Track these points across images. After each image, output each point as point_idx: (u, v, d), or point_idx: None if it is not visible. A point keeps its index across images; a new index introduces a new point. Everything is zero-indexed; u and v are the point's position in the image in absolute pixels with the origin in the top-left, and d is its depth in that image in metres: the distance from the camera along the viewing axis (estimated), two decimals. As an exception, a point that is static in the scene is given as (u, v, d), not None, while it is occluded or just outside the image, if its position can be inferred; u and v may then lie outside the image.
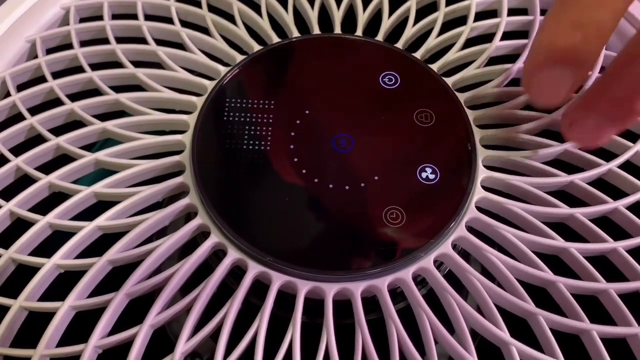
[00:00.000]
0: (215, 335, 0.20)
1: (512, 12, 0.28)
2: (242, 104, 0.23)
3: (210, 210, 0.21)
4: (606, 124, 0.19)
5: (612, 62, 0.18)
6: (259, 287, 0.21)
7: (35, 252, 0.21)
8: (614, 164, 0.23)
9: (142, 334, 0.19)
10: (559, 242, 0.21)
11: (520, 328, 0.20)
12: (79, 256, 0.21)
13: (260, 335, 0.19)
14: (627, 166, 0.23)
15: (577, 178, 0.22)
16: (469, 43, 0.26)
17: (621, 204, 0.22)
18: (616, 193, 0.23)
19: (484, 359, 0.19)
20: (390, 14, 0.27)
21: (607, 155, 0.23)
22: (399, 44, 0.25)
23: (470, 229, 0.21)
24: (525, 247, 0.21)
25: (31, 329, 0.20)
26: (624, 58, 0.18)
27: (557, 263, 0.21)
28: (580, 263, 0.21)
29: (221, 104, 0.23)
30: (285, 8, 0.27)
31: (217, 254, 0.21)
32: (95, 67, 0.25)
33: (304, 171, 0.22)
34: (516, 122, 0.24)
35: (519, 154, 0.23)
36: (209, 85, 0.24)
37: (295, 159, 0.22)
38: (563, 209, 0.22)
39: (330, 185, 0.21)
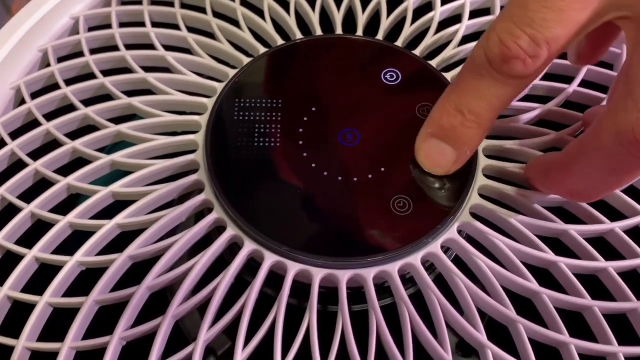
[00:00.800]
0: (227, 330, 0.21)
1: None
2: (251, 104, 0.24)
3: (225, 204, 0.22)
4: (446, 147, 0.21)
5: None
6: (272, 278, 0.22)
7: (54, 252, 0.22)
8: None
9: (165, 325, 0.20)
10: (559, 224, 0.22)
11: (525, 307, 0.21)
12: (99, 254, 0.22)
13: (279, 323, 0.20)
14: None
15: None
16: (466, 40, 0.27)
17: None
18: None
19: (492, 338, 0.20)
20: (388, 14, 0.28)
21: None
22: (399, 42, 0.27)
23: (474, 215, 0.22)
24: (526, 230, 0.22)
25: (55, 325, 0.21)
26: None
27: (558, 245, 0.22)
28: (580, 244, 0.22)
29: (231, 104, 0.24)
30: (287, 11, 0.28)
31: (232, 248, 0.22)
32: (105, 73, 0.26)
33: (313, 165, 0.23)
34: (515, 112, 0.25)
35: (516, 143, 0.24)
36: (219, 86, 0.25)
37: (305, 154, 0.23)
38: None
39: (339, 178, 0.22)
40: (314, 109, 0.24)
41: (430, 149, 0.21)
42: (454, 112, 0.20)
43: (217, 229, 0.22)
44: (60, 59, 0.27)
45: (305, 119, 0.24)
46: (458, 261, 0.22)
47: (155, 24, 0.28)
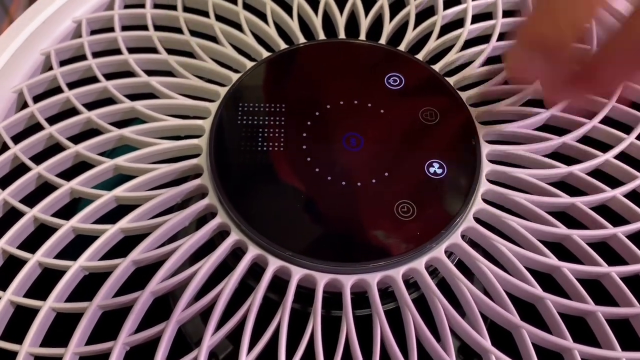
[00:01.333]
0: (230, 334, 0.21)
1: (506, 14, 0.29)
2: (254, 108, 0.24)
3: (229, 209, 0.22)
4: (535, 57, 0.21)
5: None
6: (275, 282, 0.21)
7: (57, 257, 0.22)
8: (610, 155, 0.24)
9: (169, 330, 0.20)
10: (562, 229, 0.22)
11: (527, 313, 0.21)
12: (102, 258, 0.22)
13: (283, 328, 0.20)
14: (622, 156, 0.24)
15: (576, 169, 0.24)
16: (468, 44, 0.27)
17: (619, 192, 0.23)
18: (614, 182, 0.24)
19: (495, 343, 0.20)
20: (390, 19, 0.28)
21: (603, 146, 0.25)
22: (402, 47, 0.27)
23: (477, 220, 0.22)
24: (530, 235, 0.22)
25: (58, 330, 0.21)
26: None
27: (561, 250, 0.22)
28: (583, 249, 0.22)
29: (234, 109, 0.24)
30: (290, 15, 0.28)
31: (235, 253, 0.22)
32: (108, 77, 0.26)
33: (317, 170, 0.23)
34: (516, 117, 0.25)
35: (520, 148, 0.24)
36: (222, 91, 0.25)
37: (308, 159, 0.23)
38: (564, 198, 0.23)
39: (343, 182, 0.22)
40: (317, 113, 0.24)
41: (520, 58, 0.21)
42: (543, 17, 0.20)
43: (220, 234, 0.22)
44: (62, 63, 0.27)
45: (308, 123, 0.24)
46: (460, 265, 0.22)
47: (158, 27, 0.28)
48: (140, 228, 0.22)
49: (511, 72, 0.22)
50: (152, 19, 0.28)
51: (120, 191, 0.23)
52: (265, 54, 0.26)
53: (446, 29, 0.28)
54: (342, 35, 0.27)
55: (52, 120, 0.25)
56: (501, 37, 0.28)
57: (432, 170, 0.23)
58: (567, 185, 0.24)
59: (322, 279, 0.21)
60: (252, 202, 0.22)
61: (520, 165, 0.24)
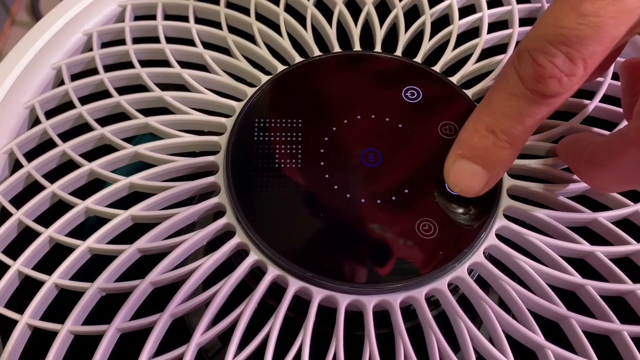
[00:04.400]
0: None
1: (522, 22, 0.29)
2: (270, 124, 0.24)
3: (248, 229, 0.21)
4: (477, 169, 0.21)
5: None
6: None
7: (73, 278, 0.22)
8: None
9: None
10: (585, 246, 0.22)
11: (550, 331, 0.21)
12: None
13: (305, 349, 0.20)
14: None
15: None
16: (485, 54, 0.27)
17: (642, 206, 0.23)
18: (635, 196, 0.23)
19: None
20: (405, 28, 0.28)
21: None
22: (418, 58, 0.26)
23: (499, 237, 0.22)
24: (552, 252, 0.22)
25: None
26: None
27: (583, 266, 0.22)
28: (607, 265, 0.22)
29: (251, 124, 0.24)
30: (304, 26, 0.27)
31: (254, 271, 0.22)
32: (120, 90, 0.26)
33: (335, 187, 0.22)
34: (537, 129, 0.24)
35: (540, 162, 0.24)
36: (237, 106, 0.25)
37: (327, 175, 0.22)
38: (586, 214, 0.22)
39: (362, 200, 0.22)
40: (334, 128, 0.24)
41: (461, 171, 0.21)
42: (486, 132, 0.20)
43: (238, 253, 0.22)
44: (74, 76, 0.27)
45: (326, 139, 0.23)
46: (480, 282, 0.22)
47: (169, 40, 0.28)
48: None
49: (452, 182, 0.21)
50: (163, 31, 0.28)
51: (136, 210, 0.22)
52: (280, 67, 0.26)
53: (462, 37, 0.28)
54: (357, 46, 0.27)
55: (65, 136, 0.25)
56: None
57: (452, 186, 0.22)
58: (588, 200, 0.23)
59: (343, 300, 0.20)
60: (271, 220, 0.22)
61: (542, 179, 0.24)
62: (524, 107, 0.19)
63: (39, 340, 0.21)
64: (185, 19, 0.28)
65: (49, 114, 0.25)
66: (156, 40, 0.27)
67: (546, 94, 0.18)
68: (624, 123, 0.25)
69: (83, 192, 0.24)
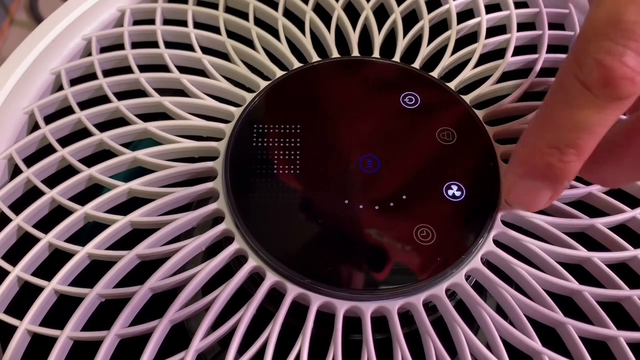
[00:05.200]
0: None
1: (520, 27, 0.29)
2: (269, 130, 0.24)
3: (246, 235, 0.21)
4: (542, 186, 0.20)
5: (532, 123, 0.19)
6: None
7: (72, 284, 0.22)
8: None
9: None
10: (582, 252, 0.22)
11: (547, 336, 0.21)
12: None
13: (303, 355, 0.20)
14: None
15: (594, 189, 0.23)
16: (483, 59, 0.27)
17: (639, 212, 0.23)
18: (634, 202, 0.24)
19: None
20: (404, 34, 0.28)
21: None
22: (416, 64, 0.26)
23: (496, 243, 0.22)
24: (550, 258, 0.22)
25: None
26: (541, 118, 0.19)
27: (580, 272, 0.22)
28: (603, 271, 0.22)
29: (249, 130, 0.24)
30: (302, 31, 0.27)
31: (252, 277, 0.22)
32: (119, 95, 0.26)
33: (334, 193, 0.22)
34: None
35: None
36: (236, 112, 0.25)
37: (325, 182, 0.23)
38: (584, 220, 0.23)
39: (361, 206, 0.22)
40: (333, 134, 0.24)
41: (524, 190, 0.20)
42: (549, 150, 0.18)
43: (237, 259, 0.22)
44: (73, 81, 0.27)
45: (324, 144, 0.24)
46: (477, 288, 0.22)
47: (168, 44, 0.28)
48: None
49: (516, 200, 0.20)
50: (162, 36, 0.28)
51: (135, 216, 0.22)
52: (279, 72, 0.26)
53: (460, 42, 0.28)
54: (355, 52, 0.27)
55: (64, 141, 0.25)
56: (516, 51, 0.27)
57: (450, 192, 0.22)
58: (585, 205, 0.24)
59: (342, 307, 0.21)
60: (269, 226, 0.22)
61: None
62: (592, 116, 0.17)
63: (39, 346, 0.21)
64: (184, 23, 0.28)
65: (48, 119, 0.25)
66: (155, 45, 0.27)
67: (620, 97, 0.17)
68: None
69: (82, 197, 0.24)
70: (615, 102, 0.17)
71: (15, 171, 0.25)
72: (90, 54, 0.27)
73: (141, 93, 0.26)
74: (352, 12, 0.29)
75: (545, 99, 0.19)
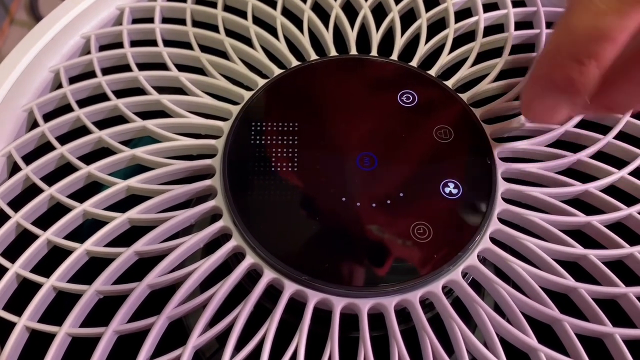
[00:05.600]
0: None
1: (518, 26, 0.29)
2: (267, 127, 0.24)
3: (244, 232, 0.21)
4: (561, 100, 0.19)
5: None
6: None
7: (70, 280, 0.22)
8: (625, 172, 0.24)
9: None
10: (578, 249, 0.22)
11: (543, 334, 0.21)
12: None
13: (300, 351, 0.20)
14: (638, 173, 0.24)
15: (591, 187, 0.23)
16: (480, 57, 0.27)
17: (635, 210, 0.23)
18: (630, 200, 0.24)
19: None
20: (401, 32, 0.28)
21: (618, 162, 0.24)
22: (414, 62, 0.26)
23: (494, 241, 0.22)
24: (546, 256, 0.22)
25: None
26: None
27: (577, 270, 0.22)
28: (599, 268, 0.22)
29: (247, 128, 0.24)
30: (300, 29, 0.28)
31: (250, 274, 0.22)
32: (118, 93, 0.26)
33: (331, 190, 0.22)
34: (531, 133, 0.25)
35: (536, 166, 0.24)
36: (234, 110, 0.25)
37: (323, 179, 0.23)
38: (580, 217, 0.23)
39: (358, 204, 0.22)
40: (330, 132, 0.24)
41: (543, 106, 0.19)
42: (570, 62, 0.18)
43: (235, 256, 0.22)
44: (72, 79, 0.27)
45: (322, 142, 0.24)
46: (474, 285, 0.22)
47: (167, 43, 0.28)
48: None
49: (534, 117, 0.20)
50: (161, 34, 0.28)
51: (134, 213, 0.23)
52: (277, 70, 0.26)
53: (457, 41, 0.28)
54: (353, 50, 0.27)
55: (63, 138, 0.25)
56: (513, 49, 0.28)
57: (447, 190, 0.22)
58: (582, 203, 0.24)
59: (339, 303, 0.21)
60: (267, 224, 0.22)
61: (534, 182, 0.24)
62: (613, 22, 0.17)
63: (37, 343, 0.21)
64: (183, 22, 0.28)
65: (47, 117, 0.26)
66: (154, 43, 0.28)
67: None
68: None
69: (81, 194, 0.24)
70: (636, 5, 0.16)
71: (14, 168, 0.25)
72: (89, 52, 0.28)
73: (140, 91, 0.26)
74: (351, 11, 0.29)
75: (565, 11, 0.18)
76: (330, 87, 0.25)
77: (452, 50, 0.27)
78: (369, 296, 0.21)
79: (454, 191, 0.22)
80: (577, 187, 0.23)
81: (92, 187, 0.24)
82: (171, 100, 0.25)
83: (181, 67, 0.27)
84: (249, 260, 0.21)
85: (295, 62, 0.26)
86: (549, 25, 0.29)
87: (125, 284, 0.21)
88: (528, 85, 0.20)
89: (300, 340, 0.20)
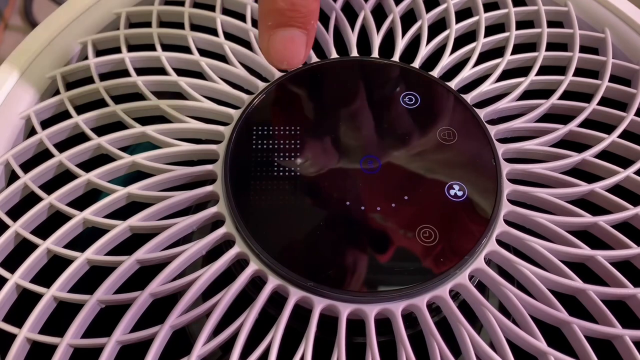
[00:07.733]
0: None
1: (519, 25, 0.28)
2: (269, 131, 0.24)
3: (247, 238, 0.21)
4: (293, 32, 0.20)
5: None
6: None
7: (70, 291, 0.22)
8: (630, 171, 0.24)
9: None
10: (585, 250, 0.22)
11: (551, 336, 0.21)
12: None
13: (307, 357, 0.19)
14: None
15: (597, 186, 0.23)
16: (482, 58, 0.27)
17: (641, 209, 0.23)
18: (636, 199, 0.23)
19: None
20: (402, 33, 0.27)
21: (624, 162, 0.24)
22: (415, 63, 0.26)
23: (500, 243, 0.22)
24: (553, 257, 0.22)
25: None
26: None
27: (583, 270, 0.22)
28: (607, 269, 0.22)
29: (249, 132, 0.24)
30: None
31: (254, 280, 0.22)
32: (116, 99, 0.26)
33: (335, 195, 0.22)
34: (536, 133, 0.24)
35: (540, 167, 0.24)
36: (235, 114, 0.24)
37: (326, 183, 0.22)
38: (586, 218, 0.22)
39: (362, 208, 0.22)
40: (333, 135, 0.24)
41: (281, 43, 0.20)
42: None
43: (238, 263, 0.22)
44: (69, 85, 0.27)
45: (324, 146, 0.23)
46: (480, 287, 0.22)
47: (165, 47, 0.27)
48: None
49: (276, 58, 0.20)
50: (159, 38, 0.27)
51: (135, 221, 0.22)
52: (278, 74, 0.26)
53: (459, 41, 0.28)
54: (354, 52, 0.27)
55: (61, 145, 0.25)
56: (515, 49, 0.27)
57: (452, 192, 0.22)
58: (588, 204, 0.23)
59: (345, 309, 0.20)
60: (270, 229, 0.21)
61: (539, 183, 0.24)
62: None
63: (38, 355, 0.21)
64: (180, 26, 0.28)
65: (45, 124, 0.25)
66: (152, 47, 0.27)
67: None
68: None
69: (81, 202, 0.23)
70: None
71: (12, 177, 0.24)
72: (86, 58, 0.27)
73: (139, 96, 0.26)
74: (351, 13, 0.28)
75: None
76: (331, 90, 0.25)
77: (453, 50, 0.27)
78: (376, 302, 0.20)
79: (459, 193, 0.22)
80: (582, 187, 0.23)
81: (91, 195, 0.24)
82: (171, 105, 0.25)
83: (180, 72, 0.27)
84: (253, 266, 0.21)
85: (295, 65, 0.26)
86: (550, 24, 0.28)
87: (127, 293, 0.21)
88: (260, 30, 0.21)
89: (306, 348, 0.20)
